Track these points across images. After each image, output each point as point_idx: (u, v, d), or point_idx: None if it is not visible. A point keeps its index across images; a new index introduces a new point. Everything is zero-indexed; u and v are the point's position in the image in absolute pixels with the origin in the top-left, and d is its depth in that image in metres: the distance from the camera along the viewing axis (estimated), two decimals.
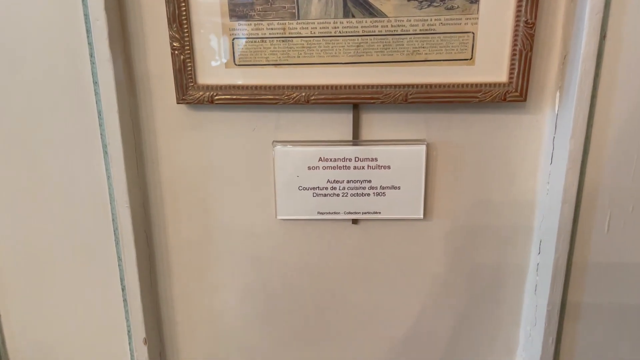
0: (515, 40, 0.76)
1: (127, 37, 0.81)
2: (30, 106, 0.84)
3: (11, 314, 0.98)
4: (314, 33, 0.79)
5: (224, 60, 0.81)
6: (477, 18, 0.76)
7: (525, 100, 0.79)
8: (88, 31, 0.79)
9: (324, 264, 0.93)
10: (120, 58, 0.80)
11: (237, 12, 0.78)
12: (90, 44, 0.79)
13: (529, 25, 0.75)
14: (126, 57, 0.82)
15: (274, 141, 0.86)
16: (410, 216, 0.88)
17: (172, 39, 0.79)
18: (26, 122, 0.85)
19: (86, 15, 0.78)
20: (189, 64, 0.80)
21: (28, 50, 0.81)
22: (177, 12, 0.78)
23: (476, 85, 0.79)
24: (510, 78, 0.78)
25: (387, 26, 0.78)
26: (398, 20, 0.77)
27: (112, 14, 0.78)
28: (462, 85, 0.79)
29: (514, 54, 0.77)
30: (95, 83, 0.81)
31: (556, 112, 0.81)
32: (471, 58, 0.78)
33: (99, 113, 0.83)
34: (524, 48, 0.76)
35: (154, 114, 0.86)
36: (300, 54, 0.80)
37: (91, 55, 0.80)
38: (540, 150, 0.84)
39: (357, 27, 0.78)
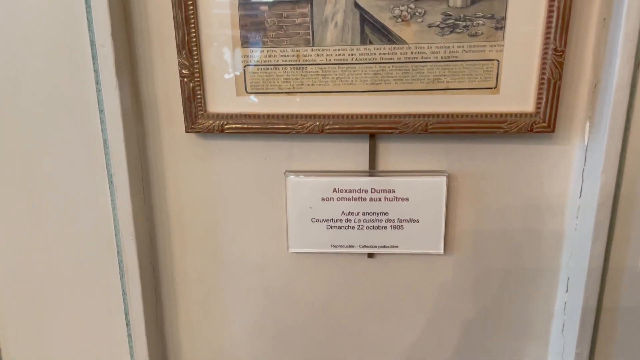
0: (544, 68, 0.72)
1: (134, 64, 0.78)
2: (33, 134, 0.81)
3: (12, 347, 0.94)
4: (330, 60, 0.75)
5: (235, 88, 0.78)
6: (503, 45, 0.72)
7: (553, 131, 0.74)
8: (94, 57, 0.76)
9: (337, 299, 0.88)
10: (127, 85, 0.77)
11: (249, 38, 0.75)
12: (96, 70, 0.76)
13: (558, 53, 0.70)
14: (133, 84, 0.79)
15: (286, 171, 0.82)
16: (429, 251, 0.83)
17: (181, 66, 0.76)
18: (29, 150, 0.82)
19: (92, 42, 0.75)
20: (199, 92, 0.77)
21: (32, 76, 0.78)
22: (186, 38, 0.74)
23: (501, 115, 0.74)
24: (538, 108, 0.74)
25: (406, 53, 0.74)
26: (418, 47, 0.73)
27: (119, 40, 0.74)
28: (486, 115, 0.75)
29: (542, 83, 0.72)
30: (101, 111, 0.78)
31: (586, 143, 0.76)
32: (496, 87, 0.74)
33: (105, 142, 0.79)
34: (553, 77, 0.72)
35: (161, 142, 0.82)
36: (315, 81, 0.77)
37: (97, 82, 0.77)
38: (568, 183, 0.79)
39: (374, 54, 0.74)
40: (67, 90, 0.78)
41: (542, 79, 0.72)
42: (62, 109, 0.79)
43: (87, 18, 0.74)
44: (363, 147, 0.80)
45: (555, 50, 0.70)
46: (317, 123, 0.77)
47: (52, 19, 0.75)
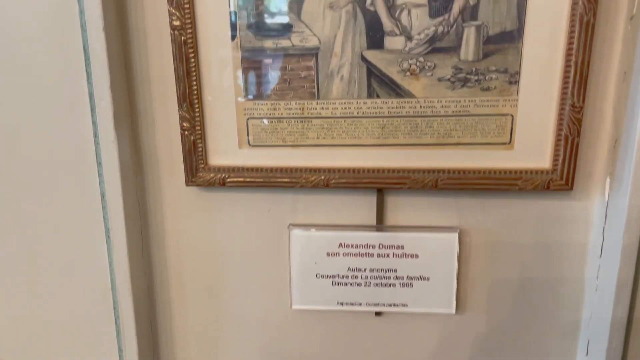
0: (560, 124, 0.68)
1: (135, 115, 0.76)
2: (30, 186, 0.78)
3: None
4: (335, 113, 0.72)
5: (238, 141, 0.75)
6: (517, 100, 0.69)
7: (571, 189, 0.70)
8: (93, 110, 0.73)
9: (343, 359, 0.84)
10: (126, 137, 0.75)
11: (252, 91, 0.72)
12: (94, 123, 0.74)
13: (576, 109, 0.67)
14: (134, 135, 0.77)
15: (290, 224, 0.79)
16: (440, 310, 0.79)
17: (182, 119, 0.73)
18: (26, 203, 0.79)
19: (91, 94, 0.73)
20: (200, 145, 0.74)
21: (31, 128, 0.76)
22: (187, 91, 0.72)
23: (516, 172, 0.71)
24: (555, 165, 0.70)
25: (415, 107, 0.71)
26: (428, 101, 0.70)
27: (119, 92, 0.72)
28: (500, 171, 0.71)
29: (559, 139, 0.69)
30: (99, 164, 0.75)
31: (606, 200, 0.72)
32: (510, 142, 0.71)
33: (102, 195, 0.77)
34: (570, 133, 0.68)
35: (162, 195, 0.80)
36: (320, 135, 0.74)
37: (95, 134, 0.74)
38: (588, 241, 0.75)
39: (382, 107, 0.71)
40: (65, 142, 0.76)
41: (559, 135, 0.69)
42: (60, 160, 0.77)
43: (87, 70, 0.72)
44: (370, 200, 0.77)
45: (572, 106, 0.67)
46: (322, 177, 0.74)
47: (51, 70, 0.73)
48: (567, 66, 0.66)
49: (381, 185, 0.74)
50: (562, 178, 0.70)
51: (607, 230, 0.73)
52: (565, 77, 0.66)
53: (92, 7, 0.68)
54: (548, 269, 0.77)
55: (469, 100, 0.70)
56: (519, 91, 0.68)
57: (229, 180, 0.75)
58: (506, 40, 0.67)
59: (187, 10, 0.69)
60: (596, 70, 0.68)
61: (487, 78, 0.68)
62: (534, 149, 0.70)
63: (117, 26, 0.72)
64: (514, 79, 0.68)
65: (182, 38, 0.70)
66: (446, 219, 0.77)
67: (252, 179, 0.75)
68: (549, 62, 0.67)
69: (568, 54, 0.65)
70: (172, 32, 0.69)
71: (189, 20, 0.69)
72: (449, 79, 0.69)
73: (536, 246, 0.76)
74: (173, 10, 0.68)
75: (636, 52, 0.65)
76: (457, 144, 0.72)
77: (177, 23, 0.69)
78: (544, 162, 0.71)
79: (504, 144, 0.71)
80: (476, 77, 0.68)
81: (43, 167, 0.77)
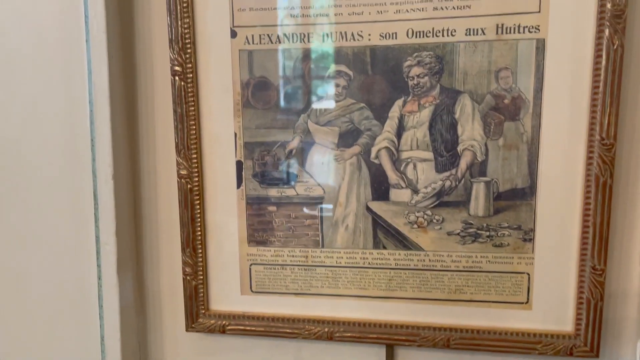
0: (581, 286, 0.63)
1: (140, 257, 0.76)
2: (33, 328, 0.77)
3: None
4: (340, 263, 0.70)
5: (240, 287, 0.73)
6: (533, 258, 0.64)
7: (597, 356, 0.64)
8: (98, 253, 0.73)
9: None
10: (130, 280, 0.74)
11: (256, 237, 0.71)
12: (99, 266, 0.74)
13: (597, 272, 0.62)
14: (138, 277, 0.76)
15: None
16: None
17: (184, 264, 0.72)
18: (28, 342, 0.78)
19: (97, 237, 0.73)
20: (201, 290, 0.72)
21: (35, 272, 0.76)
22: (191, 236, 0.71)
23: (535, 334, 0.65)
24: (577, 329, 0.64)
25: (424, 260, 0.67)
26: (437, 255, 0.67)
27: (125, 237, 0.72)
28: (518, 333, 0.65)
29: (581, 302, 0.63)
30: (101, 307, 0.74)
31: None
32: (527, 302, 0.66)
33: (102, 338, 0.75)
34: (593, 297, 0.62)
35: (163, 337, 0.77)
36: (324, 284, 0.71)
37: (99, 277, 0.74)
38: None
39: (388, 259, 0.68)
40: (69, 284, 0.75)
41: (581, 297, 0.63)
42: (63, 301, 0.76)
43: (95, 214, 0.73)
44: (378, 352, 0.72)
45: (593, 268, 0.62)
46: (326, 329, 0.70)
47: (61, 213, 0.74)
48: (585, 226, 0.62)
49: (389, 342, 0.69)
50: (586, 344, 0.64)
51: None
52: (584, 238, 0.62)
53: (103, 155, 0.70)
54: None
55: (481, 256, 0.66)
56: (535, 249, 0.64)
57: (229, 327, 0.72)
58: (518, 197, 0.64)
59: (194, 160, 0.69)
60: (619, 229, 0.63)
61: (499, 234, 0.65)
62: (554, 311, 0.65)
63: (128, 173, 0.73)
64: (528, 236, 0.64)
65: (188, 186, 0.70)
66: None
67: (252, 328, 0.72)
68: (565, 221, 0.63)
69: (585, 214, 0.61)
70: (179, 180, 0.70)
71: (195, 170, 0.69)
72: (458, 234, 0.66)
73: None
74: (180, 160, 0.69)
75: None
76: (470, 300, 0.67)
77: (184, 172, 0.70)
78: (566, 325, 0.65)
79: (521, 303, 0.66)
80: (488, 233, 0.65)
81: (47, 307, 0.76)
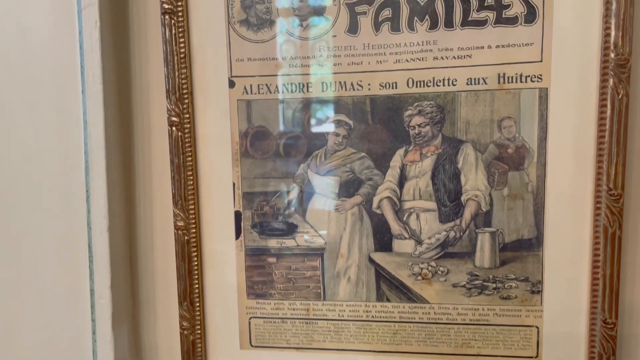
0: (593, 341, 0.61)
1: (136, 310, 0.73)
2: None
3: None
4: (343, 316, 0.67)
5: (239, 341, 0.70)
6: (542, 311, 0.62)
7: None
8: (93, 307, 0.71)
9: None
10: (125, 334, 0.72)
11: (255, 289, 0.69)
12: (93, 320, 0.71)
13: (608, 326, 0.60)
14: (134, 330, 0.73)
15: None
16: None
17: (181, 317, 0.70)
18: None
19: (92, 290, 0.71)
20: (199, 345, 0.70)
21: (27, 321, 0.74)
22: (188, 290, 0.69)
23: None
24: None
25: (429, 313, 0.65)
26: (443, 308, 0.65)
27: (120, 290, 0.70)
28: None
29: (592, 356, 0.61)
30: None
31: None
32: (537, 356, 0.63)
33: None
34: (605, 352, 0.60)
35: None
36: (327, 337, 0.68)
37: (94, 332, 0.71)
38: None
39: (392, 312, 0.66)
40: (63, 338, 0.73)
41: (592, 352, 0.61)
42: (56, 356, 0.73)
43: (89, 267, 0.71)
44: None
45: (604, 322, 0.60)
46: None
47: (52, 267, 0.72)
48: (594, 279, 0.60)
49: None
50: None
51: None
52: (594, 291, 0.60)
53: (99, 207, 0.68)
54: None
55: (488, 309, 0.64)
56: (543, 301, 0.62)
57: None
58: (525, 248, 0.62)
59: (191, 212, 0.68)
60: (629, 281, 0.61)
61: (506, 286, 0.63)
62: None
63: (123, 225, 0.71)
64: (536, 288, 0.62)
65: (186, 238, 0.68)
66: None
67: None
68: (574, 273, 0.61)
69: (595, 266, 0.60)
70: (175, 231, 0.68)
71: (193, 221, 0.68)
72: (464, 285, 0.64)
73: None
74: (177, 212, 0.68)
75: None
76: (478, 355, 0.65)
77: (181, 224, 0.68)
78: None
79: (531, 357, 0.63)
80: (494, 285, 0.63)
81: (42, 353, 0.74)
